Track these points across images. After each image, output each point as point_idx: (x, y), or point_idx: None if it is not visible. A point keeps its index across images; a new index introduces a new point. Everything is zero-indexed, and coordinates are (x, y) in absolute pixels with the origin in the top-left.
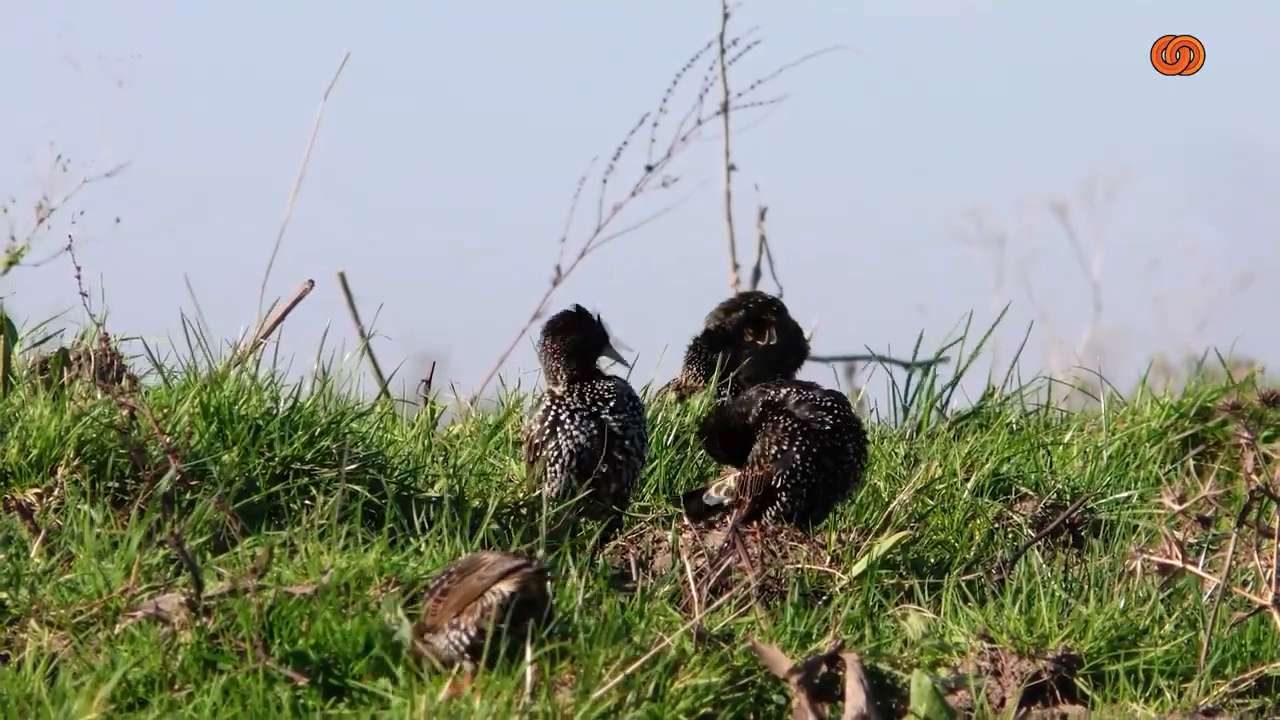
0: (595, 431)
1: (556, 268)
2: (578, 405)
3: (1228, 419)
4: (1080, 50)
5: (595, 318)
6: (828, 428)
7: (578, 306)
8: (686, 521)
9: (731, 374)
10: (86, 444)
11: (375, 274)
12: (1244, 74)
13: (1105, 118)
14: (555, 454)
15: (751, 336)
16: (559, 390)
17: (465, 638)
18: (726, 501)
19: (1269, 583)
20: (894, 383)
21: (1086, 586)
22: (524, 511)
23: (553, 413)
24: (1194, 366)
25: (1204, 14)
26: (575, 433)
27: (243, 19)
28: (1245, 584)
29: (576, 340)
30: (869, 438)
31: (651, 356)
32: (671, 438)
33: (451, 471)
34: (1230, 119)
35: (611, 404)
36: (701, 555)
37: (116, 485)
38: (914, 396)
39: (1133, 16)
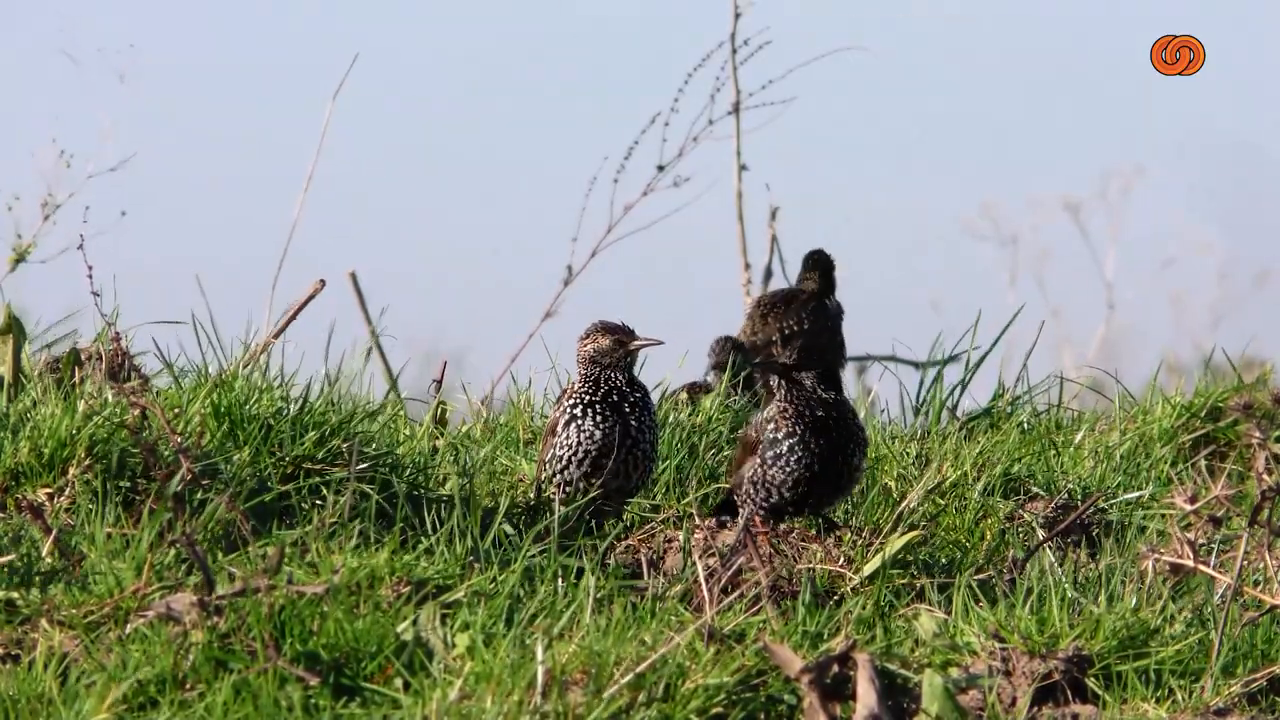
0: (611, 427)
1: (568, 267)
2: (598, 402)
3: (1239, 419)
4: (1081, 51)
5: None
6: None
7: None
8: (699, 520)
9: (743, 374)
10: (98, 444)
11: (386, 274)
12: (1244, 74)
13: (1111, 118)
14: (569, 447)
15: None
16: (580, 387)
17: None
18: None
19: None
20: (903, 384)
21: (1098, 586)
22: (535, 510)
23: (569, 409)
24: (1205, 366)
25: (1204, 14)
26: (591, 428)
27: (252, 20)
28: (1257, 584)
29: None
30: (879, 438)
31: (663, 357)
32: (683, 438)
33: (462, 471)
34: (1230, 119)
35: (630, 400)
36: (712, 555)
37: (128, 485)
38: (925, 397)
39: (1133, 16)
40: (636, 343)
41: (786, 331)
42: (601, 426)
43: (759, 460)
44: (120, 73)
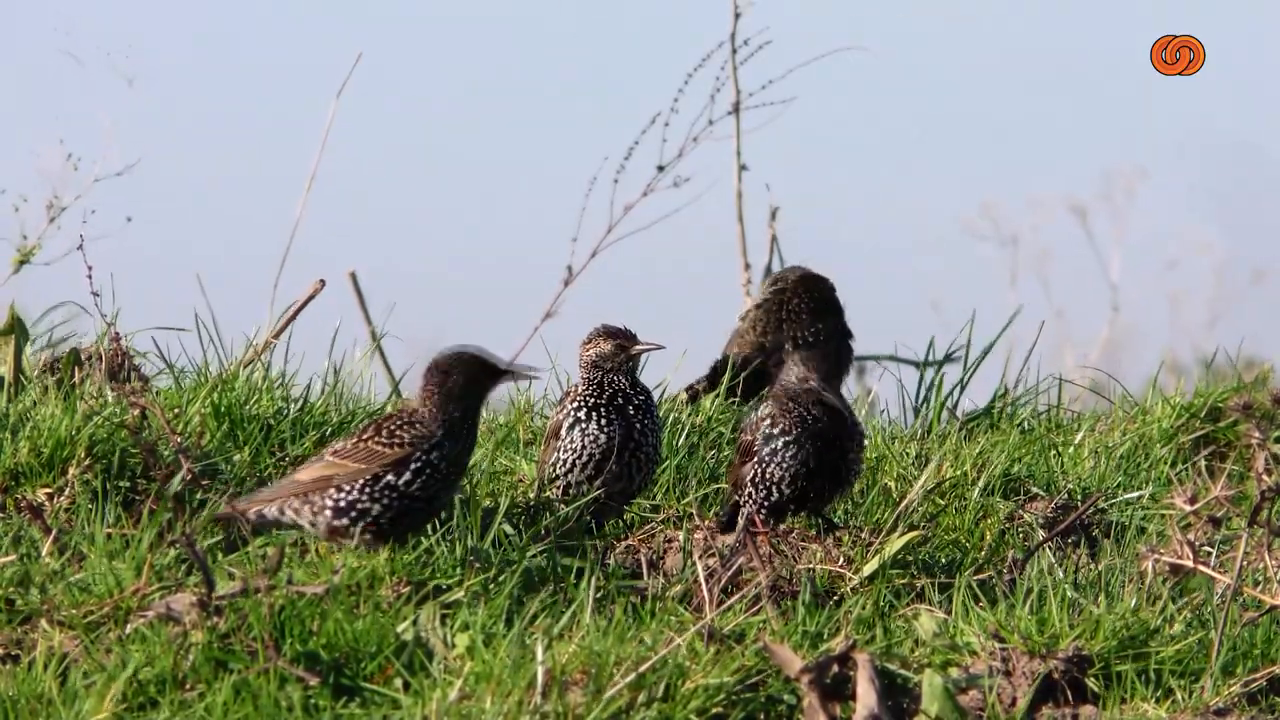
0: (615, 430)
1: (568, 268)
2: (602, 405)
3: (1239, 419)
4: (1081, 51)
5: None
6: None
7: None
8: (698, 521)
9: (743, 374)
10: (98, 444)
11: (386, 274)
12: (1244, 74)
13: (1111, 118)
14: (573, 450)
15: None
16: (583, 390)
17: None
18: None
19: None
20: (903, 384)
21: (1097, 587)
22: (535, 511)
23: (572, 412)
24: (1205, 366)
25: (1204, 14)
26: (596, 432)
27: (252, 20)
28: (1256, 584)
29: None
30: (879, 438)
31: (665, 357)
32: (683, 438)
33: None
34: (1230, 119)
35: (635, 404)
36: (712, 555)
37: (127, 485)
38: (925, 397)
39: (1133, 16)
40: (638, 347)
41: (800, 340)
42: (606, 430)
43: (756, 459)
44: (129, 77)
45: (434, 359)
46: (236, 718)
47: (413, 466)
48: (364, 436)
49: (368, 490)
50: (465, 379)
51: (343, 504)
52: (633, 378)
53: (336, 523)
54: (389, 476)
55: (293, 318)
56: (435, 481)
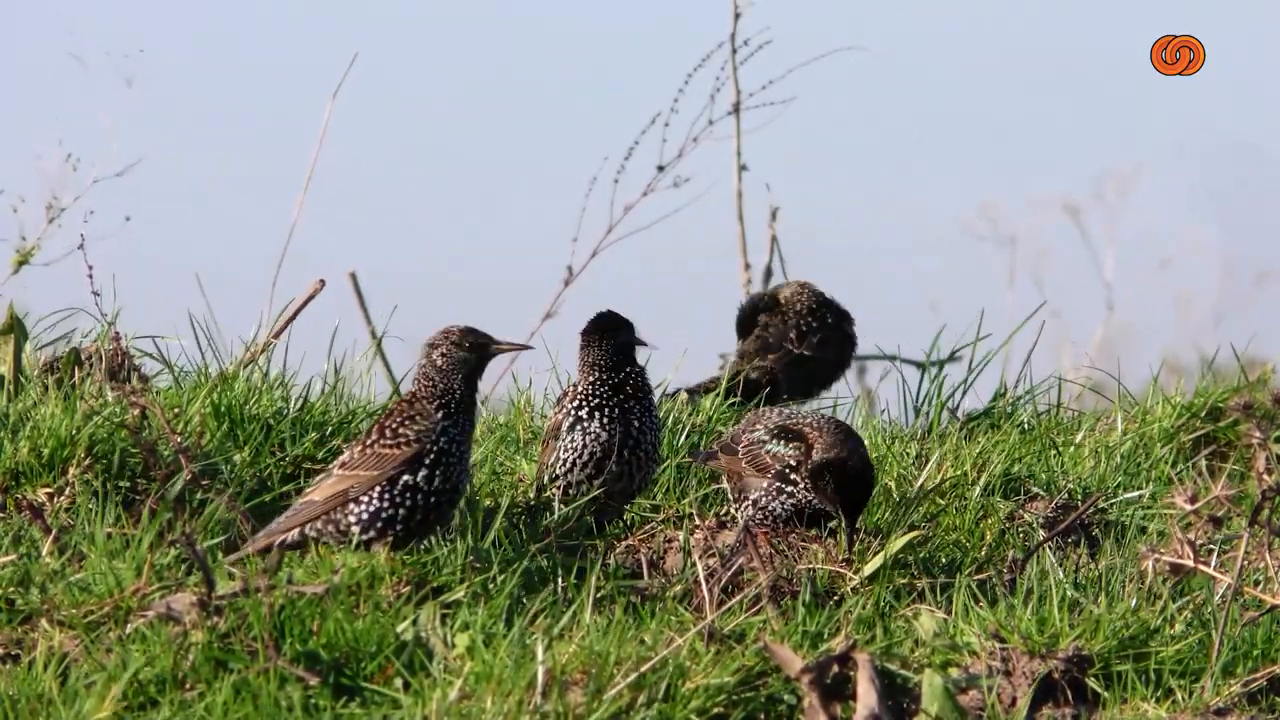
0: (615, 429)
1: (568, 268)
2: (606, 405)
3: (1239, 419)
4: (1081, 51)
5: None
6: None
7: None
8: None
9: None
10: (98, 444)
11: (386, 274)
12: (1244, 74)
13: (1111, 118)
14: (574, 450)
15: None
16: (584, 385)
17: None
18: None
19: None
20: (905, 383)
21: (1098, 586)
22: (535, 510)
23: (572, 412)
24: (1205, 366)
25: (1204, 14)
26: (598, 430)
27: (252, 20)
28: (1257, 584)
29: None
30: (879, 438)
31: (663, 357)
32: (683, 438)
33: None
34: (1230, 119)
35: (640, 405)
36: (713, 555)
37: (128, 485)
38: (926, 397)
39: (1133, 16)
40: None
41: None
42: (607, 428)
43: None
44: (128, 78)
45: (426, 339)
46: (236, 718)
47: (426, 461)
48: (368, 442)
49: (387, 496)
50: (454, 352)
51: (366, 516)
52: (640, 379)
53: (364, 536)
54: (405, 477)
55: (293, 318)
56: (453, 468)
